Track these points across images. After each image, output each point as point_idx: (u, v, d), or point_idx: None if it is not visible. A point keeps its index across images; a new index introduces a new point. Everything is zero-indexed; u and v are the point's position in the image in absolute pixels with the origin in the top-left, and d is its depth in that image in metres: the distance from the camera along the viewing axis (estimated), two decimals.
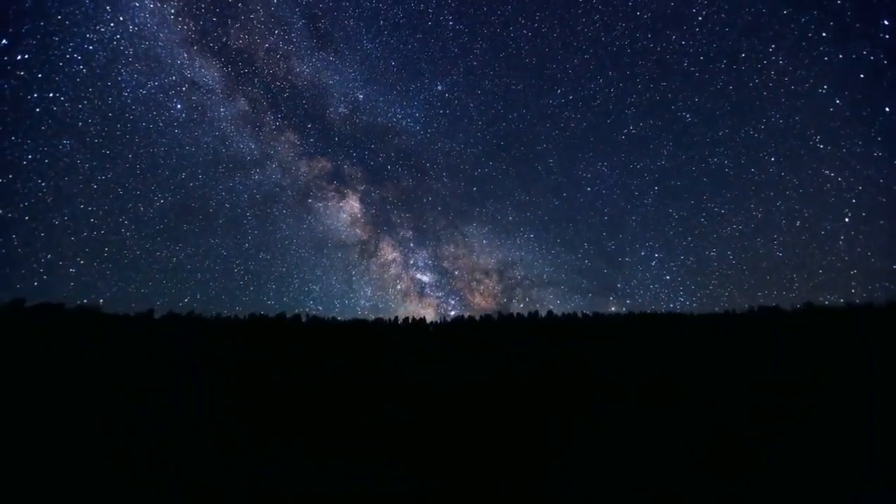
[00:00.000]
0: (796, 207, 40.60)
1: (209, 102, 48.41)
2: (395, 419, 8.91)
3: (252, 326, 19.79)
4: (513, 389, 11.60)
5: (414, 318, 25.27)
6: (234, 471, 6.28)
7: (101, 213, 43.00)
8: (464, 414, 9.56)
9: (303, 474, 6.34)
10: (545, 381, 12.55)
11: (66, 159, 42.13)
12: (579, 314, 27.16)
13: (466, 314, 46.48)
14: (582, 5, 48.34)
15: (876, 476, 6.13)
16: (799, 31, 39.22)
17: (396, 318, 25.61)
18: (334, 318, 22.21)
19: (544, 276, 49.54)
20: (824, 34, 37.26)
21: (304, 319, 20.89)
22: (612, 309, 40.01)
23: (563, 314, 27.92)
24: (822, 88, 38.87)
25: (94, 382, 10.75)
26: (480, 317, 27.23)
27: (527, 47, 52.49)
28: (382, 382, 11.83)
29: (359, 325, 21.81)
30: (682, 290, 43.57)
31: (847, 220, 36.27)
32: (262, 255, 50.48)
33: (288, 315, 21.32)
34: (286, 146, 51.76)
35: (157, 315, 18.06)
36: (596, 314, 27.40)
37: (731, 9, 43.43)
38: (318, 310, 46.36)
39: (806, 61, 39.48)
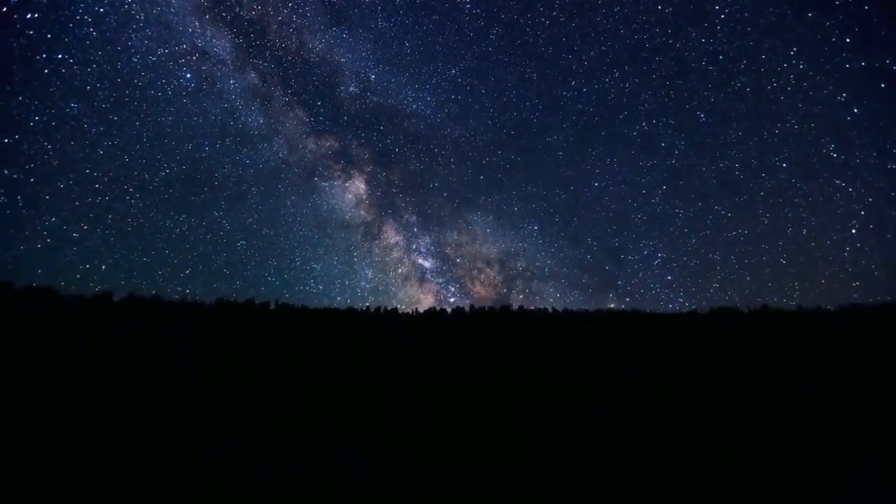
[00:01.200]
0: (804, 215, 39.72)
1: (219, 73, 47.82)
2: (360, 408, 9.08)
3: (221, 311, 20.24)
4: (486, 384, 11.76)
5: (386, 308, 25.72)
6: (203, 456, 6.49)
7: (106, 179, 43.39)
8: (427, 406, 9.73)
9: (274, 457, 6.53)
10: (530, 376, 12.71)
11: (72, 122, 42.37)
12: (551, 310, 27.15)
13: (467, 302, 46.29)
14: None
15: (873, 476, 6.27)
16: (822, 35, 37.73)
17: (368, 307, 26.20)
18: (304, 306, 22.56)
19: (545, 269, 48.78)
20: (848, 40, 36.22)
21: (272, 307, 21.29)
22: (612, 306, 40.27)
23: (541, 309, 27.88)
24: (841, 96, 37.56)
25: (55, 365, 11.11)
26: (452, 310, 27.34)
27: (543, 36, 50.11)
28: (341, 372, 12.05)
29: (329, 313, 22.09)
30: (682, 291, 42.86)
31: (854, 231, 35.60)
32: (265, 230, 50.57)
33: (258, 301, 21.86)
34: (294, 122, 50.99)
35: (118, 298, 18.55)
36: (585, 311, 27.33)
37: (754, 8, 41.57)
38: (318, 289, 46.39)
39: (827, 67, 37.97)
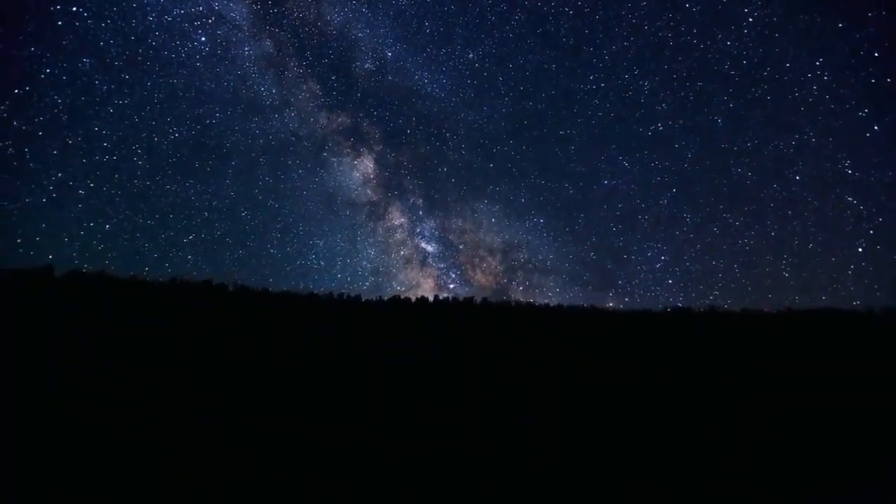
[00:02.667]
0: (812, 230, 38.85)
1: (234, 39, 45.93)
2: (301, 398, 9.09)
3: (174, 290, 19.84)
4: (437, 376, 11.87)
5: (348, 295, 25.70)
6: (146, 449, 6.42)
7: (114, 138, 41.80)
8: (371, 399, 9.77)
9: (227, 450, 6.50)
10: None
11: (84, 78, 40.61)
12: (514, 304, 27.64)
13: (466, 290, 45.81)
14: None
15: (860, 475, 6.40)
16: (851, 47, 36.33)
17: (332, 293, 26.12)
18: (266, 290, 22.32)
19: (547, 263, 48.27)
20: (876, 55, 35.18)
21: (231, 289, 21.00)
22: (610, 305, 40.05)
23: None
24: (863, 111, 36.47)
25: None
26: (405, 298, 27.51)
27: (566, 26, 48.03)
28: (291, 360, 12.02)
29: (289, 298, 21.93)
30: (682, 296, 42.48)
31: (860, 250, 35.06)
32: (270, 202, 49.08)
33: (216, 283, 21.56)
34: (307, 95, 49.13)
35: (58, 273, 17.97)
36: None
37: (785, 14, 39.97)
38: (319, 265, 45.33)
39: (852, 81, 36.57)
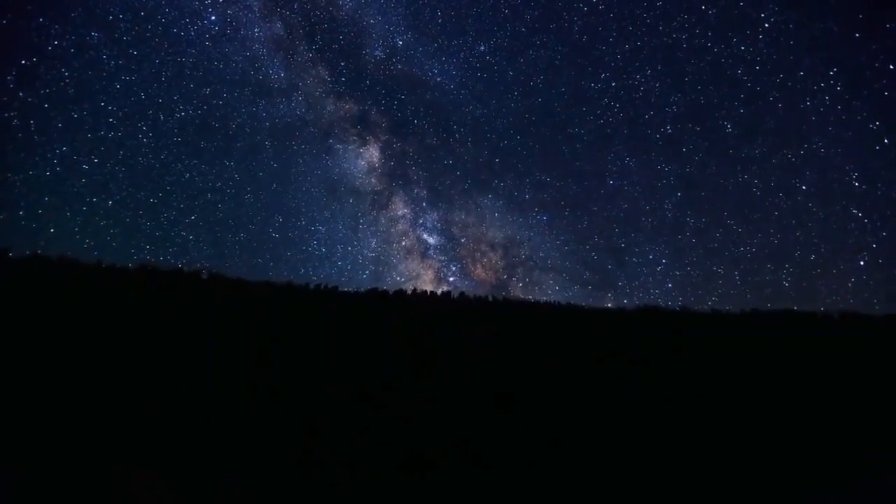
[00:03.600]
0: (815, 241, 38.23)
1: (244, 20, 44.51)
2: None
3: (143, 276, 19.18)
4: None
5: (326, 286, 25.38)
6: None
7: (120, 114, 40.61)
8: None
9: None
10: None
11: (91, 52, 39.32)
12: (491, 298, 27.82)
13: (466, 283, 44.96)
14: None
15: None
16: (866, 58, 35.22)
17: (308, 284, 25.75)
18: (240, 279, 21.83)
19: (548, 261, 48.03)
20: (891, 66, 34.26)
21: (204, 276, 20.45)
22: (609, 305, 40.03)
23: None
24: (874, 124, 35.63)
25: None
26: (394, 292, 27.38)
27: (580, 23, 46.90)
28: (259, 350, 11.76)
29: (262, 287, 21.49)
30: (680, 300, 42.82)
31: (862, 263, 34.88)
32: (274, 185, 48.25)
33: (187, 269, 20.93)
34: (315, 80, 47.83)
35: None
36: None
37: (801, 21, 38.52)
38: (321, 251, 44.45)
39: (864, 92, 35.63)
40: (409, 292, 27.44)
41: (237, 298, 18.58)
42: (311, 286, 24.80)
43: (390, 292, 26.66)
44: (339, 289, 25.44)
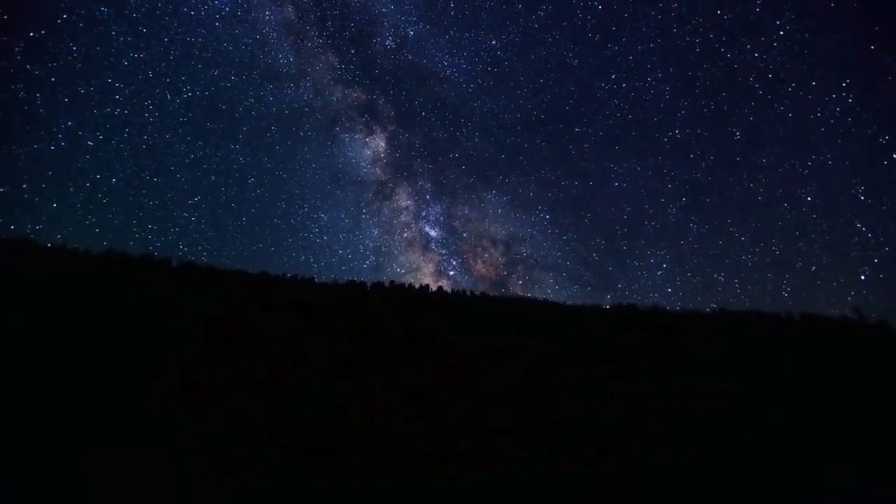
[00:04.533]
0: (817, 253, 37.98)
1: (255, 2, 43.54)
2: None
3: (111, 262, 18.62)
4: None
5: (301, 277, 25.06)
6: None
7: (127, 91, 39.79)
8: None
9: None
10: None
11: (101, 27, 38.38)
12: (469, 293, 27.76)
13: (466, 278, 43.88)
14: None
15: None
16: (879, 71, 34.41)
17: (284, 273, 25.46)
18: (211, 267, 21.34)
19: (549, 260, 47.62)
20: None
21: (174, 264, 19.96)
22: (607, 307, 39.03)
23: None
24: (883, 138, 35.08)
25: None
26: (372, 284, 27.08)
27: (593, 21, 45.91)
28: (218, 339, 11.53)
29: (233, 276, 21.07)
30: (679, 306, 41.53)
31: (863, 278, 34.72)
32: (278, 171, 47.28)
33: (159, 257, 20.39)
34: (324, 67, 46.83)
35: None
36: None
37: (817, 30, 37.57)
38: (322, 239, 43.53)
39: (876, 106, 35.02)
40: (388, 285, 27.20)
41: (204, 287, 18.20)
42: (288, 276, 24.55)
43: (368, 285, 26.47)
44: (316, 279, 25.19)
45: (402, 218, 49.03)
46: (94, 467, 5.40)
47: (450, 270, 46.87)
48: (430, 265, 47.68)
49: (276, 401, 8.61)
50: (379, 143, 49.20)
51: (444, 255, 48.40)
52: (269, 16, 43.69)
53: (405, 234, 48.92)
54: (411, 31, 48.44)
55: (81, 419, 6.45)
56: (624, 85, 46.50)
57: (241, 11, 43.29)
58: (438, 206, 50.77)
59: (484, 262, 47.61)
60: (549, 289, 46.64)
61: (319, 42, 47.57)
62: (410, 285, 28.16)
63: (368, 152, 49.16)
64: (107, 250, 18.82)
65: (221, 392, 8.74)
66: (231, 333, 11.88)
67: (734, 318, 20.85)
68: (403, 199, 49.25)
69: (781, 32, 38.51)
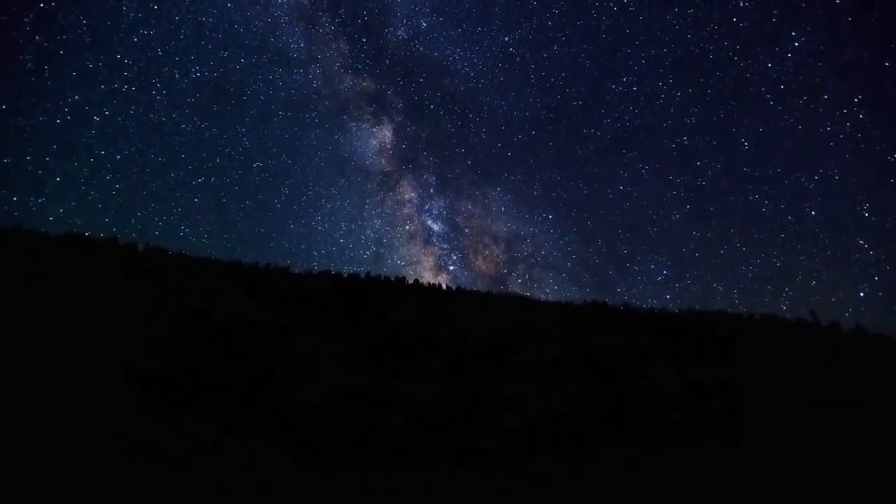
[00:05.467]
0: (817, 267, 37.91)
1: None
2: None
3: (67, 240, 17.76)
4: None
5: (276, 266, 24.50)
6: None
7: (136, 68, 38.05)
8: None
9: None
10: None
11: (111, 2, 36.06)
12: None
13: (465, 273, 42.67)
14: None
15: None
16: (893, 89, 34.13)
17: (258, 263, 24.77)
18: (181, 252, 20.64)
19: (549, 260, 46.71)
20: None
21: (140, 248, 19.17)
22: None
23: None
24: (892, 156, 34.53)
25: None
26: (347, 274, 26.73)
27: (608, 22, 44.45)
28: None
29: (197, 262, 20.45)
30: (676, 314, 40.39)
31: (861, 294, 34.39)
32: (283, 157, 45.36)
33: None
34: (335, 54, 45.21)
35: None
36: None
37: (832, 44, 36.83)
38: (324, 227, 42.12)
39: (886, 123, 34.64)
40: (363, 276, 26.85)
41: (164, 274, 17.60)
42: (262, 265, 23.86)
43: (344, 275, 26.07)
44: (291, 269, 24.66)
45: (406, 210, 48.40)
46: (75, 458, 5.24)
47: (450, 265, 46.49)
48: (430, 259, 47.22)
49: (264, 392, 8.45)
50: (386, 133, 48.27)
51: (446, 249, 47.91)
52: None
53: (407, 227, 48.31)
54: (424, 22, 47.38)
55: (61, 415, 6.21)
56: (635, 88, 45.63)
57: None
58: (442, 201, 50.16)
59: (485, 258, 47.35)
60: (547, 289, 46.44)
61: (331, 29, 46.42)
62: (387, 278, 27.96)
63: (375, 142, 48.23)
64: (68, 231, 17.87)
65: (203, 383, 8.52)
66: (200, 320, 11.55)
67: (702, 317, 21.60)
68: (407, 192, 48.50)
69: (796, 44, 38.10)
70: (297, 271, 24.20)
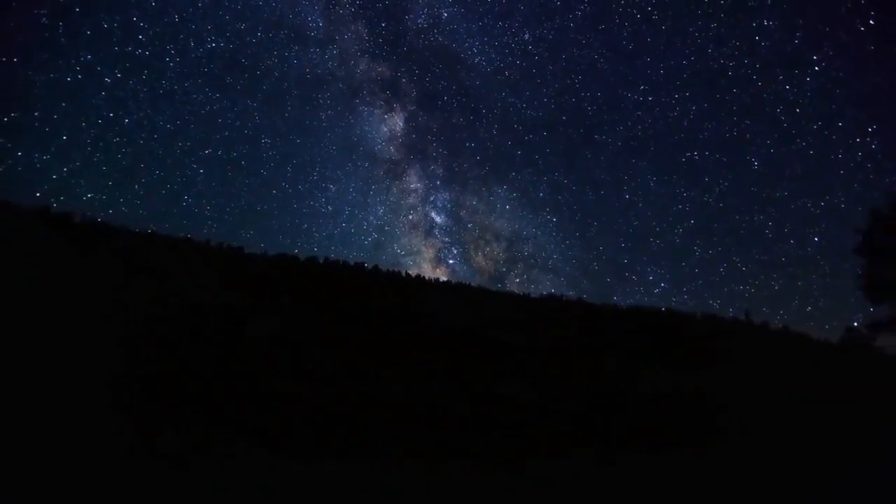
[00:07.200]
0: (816, 293, 37.03)
1: None
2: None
3: (34, 217, 16.81)
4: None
5: (230, 245, 23.88)
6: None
7: (151, 33, 34.93)
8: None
9: None
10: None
11: None
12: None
13: (465, 268, 41.35)
14: (705, 6, 36.95)
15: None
16: None
17: (209, 240, 23.91)
18: (152, 231, 19.96)
19: (549, 262, 46.14)
20: None
21: (76, 220, 18.29)
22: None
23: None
24: None
25: None
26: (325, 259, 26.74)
27: (630, 29, 43.04)
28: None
29: (198, 247, 19.97)
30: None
31: (856, 324, 34.20)
32: (292, 136, 42.81)
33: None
34: (353, 37, 42.66)
35: None
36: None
37: (854, 71, 35.21)
38: (327, 209, 40.32)
39: None
40: (341, 262, 26.91)
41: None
42: (214, 243, 22.94)
43: (320, 260, 25.99)
44: (269, 254, 24.23)
45: (410, 200, 47.45)
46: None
47: (449, 259, 46.18)
48: (430, 251, 46.80)
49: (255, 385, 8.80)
50: (397, 121, 46.68)
51: (447, 242, 47.50)
52: None
53: (410, 217, 47.53)
54: (445, 12, 45.54)
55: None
56: (650, 98, 43.63)
57: None
58: (447, 193, 49.37)
59: (485, 255, 47.36)
60: (544, 290, 46.67)
61: (351, 10, 44.12)
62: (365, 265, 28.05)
63: (385, 129, 46.78)
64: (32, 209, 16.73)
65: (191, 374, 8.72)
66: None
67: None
68: (413, 181, 47.47)
69: (816, 68, 36.27)
70: (302, 258, 23.19)
